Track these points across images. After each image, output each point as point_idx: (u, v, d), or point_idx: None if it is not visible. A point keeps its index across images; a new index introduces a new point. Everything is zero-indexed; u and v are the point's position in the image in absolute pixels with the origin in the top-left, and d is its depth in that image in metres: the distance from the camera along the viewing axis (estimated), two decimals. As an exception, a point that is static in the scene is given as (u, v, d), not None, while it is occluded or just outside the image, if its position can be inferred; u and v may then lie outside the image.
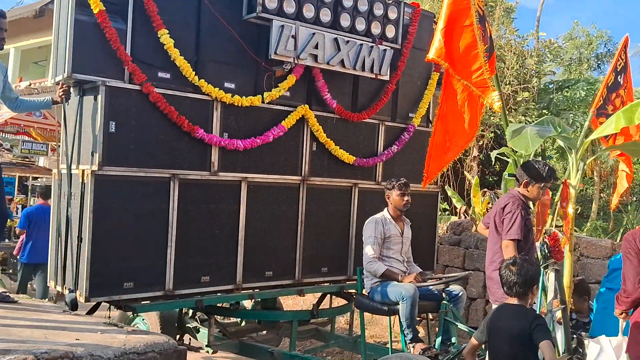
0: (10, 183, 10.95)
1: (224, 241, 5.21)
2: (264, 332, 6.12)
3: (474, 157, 11.30)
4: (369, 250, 4.78)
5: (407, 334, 4.43)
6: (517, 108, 11.69)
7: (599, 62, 21.69)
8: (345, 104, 6.02)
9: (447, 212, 11.26)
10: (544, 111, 12.13)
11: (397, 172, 6.44)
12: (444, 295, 4.62)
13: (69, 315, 4.05)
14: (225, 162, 5.18)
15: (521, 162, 4.34)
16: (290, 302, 8.00)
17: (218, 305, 5.57)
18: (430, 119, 6.86)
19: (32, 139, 11.80)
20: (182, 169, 4.93)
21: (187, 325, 5.84)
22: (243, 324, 6.13)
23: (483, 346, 3.60)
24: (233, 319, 6.23)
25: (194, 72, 4.93)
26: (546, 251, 4.17)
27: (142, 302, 4.83)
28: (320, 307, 5.98)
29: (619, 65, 5.24)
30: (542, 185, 4.23)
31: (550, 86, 13.76)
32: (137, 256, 4.71)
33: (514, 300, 3.35)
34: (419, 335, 4.53)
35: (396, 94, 6.39)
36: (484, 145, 11.45)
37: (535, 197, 4.29)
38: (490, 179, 12.46)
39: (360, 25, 5.76)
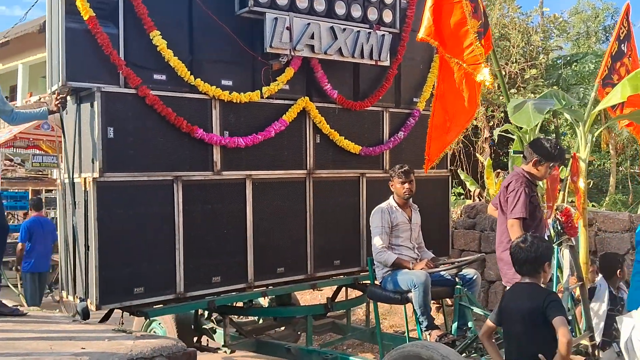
0: (24, 197, 11.03)
1: (233, 240, 5.17)
2: (282, 328, 6.08)
3: (485, 138, 11.16)
4: (377, 241, 4.70)
5: (422, 321, 4.35)
6: (525, 86, 11.52)
7: (607, 35, 21.29)
8: (347, 94, 5.94)
9: (462, 197, 11.14)
10: (554, 87, 11.93)
11: (404, 159, 6.33)
12: (457, 280, 4.53)
13: (79, 325, 4.03)
14: (228, 161, 5.13)
15: (529, 139, 4.23)
16: (308, 297, 7.95)
17: (232, 304, 5.53)
18: (435, 102, 6.76)
19: (43, 151, 11.88)
20: (185, 171, 4.89)
21: (203, 326, 5.81)
22: (260, 321, 6.09)
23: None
24: (250, 318, 6.19)
25: (189, 72, 4.88)
26: (559, 227, 4.04)
27: (155, 307, 4.80)
28: (336, 300, 5.92)
29: (622, 33, 5.11)
30: (552, 164, 4.11)
31: (559, 62, 13.54)
32: (146, 261, 4.68)
33: (525, 279, 3.26)
34: (435, 322, 4.45)
35: (399, 79, 6.29)
36: (495, 126, 11.29)
37: (543, 175, 4.17)
38: (504, 160, 12.29)
39: (357, 12, 5.67)
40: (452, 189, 9.52)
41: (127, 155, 4.61)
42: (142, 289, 4.66)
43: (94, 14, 4.47)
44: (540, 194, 4.42)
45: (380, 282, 4.76)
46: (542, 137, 4.25)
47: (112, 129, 4.54)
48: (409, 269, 4.56)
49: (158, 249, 4.75)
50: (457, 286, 4.50)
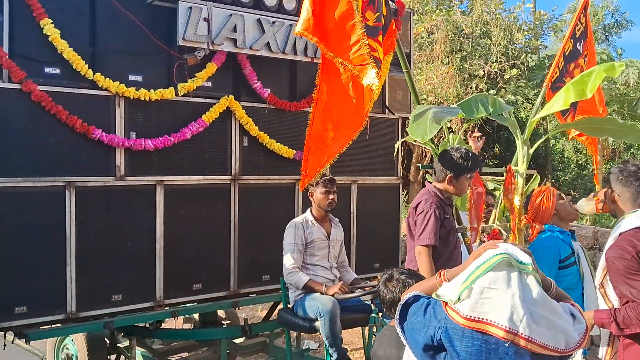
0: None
1: (138, 254, 4.66)
2: (204, 349, 5.57)
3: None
4: (287, 260, 4.19)
5: (332, 353, 3.84)
6: (506, 87, 10.96)
7: (607, 34, 20.66)
8: (282, 93, 5.41)
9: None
10: (539, 89, 11.37)
11: (347, 165, 5.84)
12: (373, 306, 4.00)
13: None
14: (134, 165, 4.62)
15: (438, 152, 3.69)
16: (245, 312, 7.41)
17: (142, 325, 5.02)
18: (387, 104, 6.22)
19: None
20: (80, 176, 4.38)
21: (118, 345, 5.31)
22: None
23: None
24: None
25: (87, 65, 4.36)
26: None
27: (41, 327, 4.30)
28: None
29: (578, 30, 4.55)
30: (469, 176, 3.59)
31: (547, 61, 12.95)
32: (30, 277, 4.18)
33: (395, 323, 2.71)
34: (348, 353, 3.93)
35: (342, 78, 5.75)
36: (470, 128, 10.74)
37: (462, 190, 3.65)
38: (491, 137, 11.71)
39: (290, 4, 5.15)
40: (404, 197, 9.01)
41: (8, 158, 4.10)
42: (25, 308, 4.16)
43: (-30, -1, 3.96)
44: (465, 213, 3.89)
45: (293, 306, 4.25)
46: (449, 147, 3.71)
47: (-10, 128, 4.03)
48: (321, 292, 4.05)
49: (44, 264, 4.24)
50: (372, 314, 3.97)
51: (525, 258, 2.07)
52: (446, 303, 2.12)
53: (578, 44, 4.56)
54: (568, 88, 3.75)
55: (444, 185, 3.63)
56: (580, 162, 17.96)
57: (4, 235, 4.09)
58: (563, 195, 3.95)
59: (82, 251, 4.37)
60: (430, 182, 3.73)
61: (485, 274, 2.06)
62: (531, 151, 3.84)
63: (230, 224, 5.13)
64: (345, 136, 3.58)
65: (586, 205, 3.77)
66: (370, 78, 3.11)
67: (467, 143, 4.92)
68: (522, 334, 1.98)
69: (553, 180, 15.94)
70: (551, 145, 16.35)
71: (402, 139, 4.82)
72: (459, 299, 2.08)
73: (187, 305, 4.99)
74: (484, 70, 10.86)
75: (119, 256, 4.55)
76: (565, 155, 18.76)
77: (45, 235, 4.25)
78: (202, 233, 4.98)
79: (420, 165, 4.71)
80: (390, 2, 6.21)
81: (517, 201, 3.85)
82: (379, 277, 4.22)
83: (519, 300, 1.99)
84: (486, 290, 2.03)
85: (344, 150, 3.71)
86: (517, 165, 3.93)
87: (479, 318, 2.01)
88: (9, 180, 4.10)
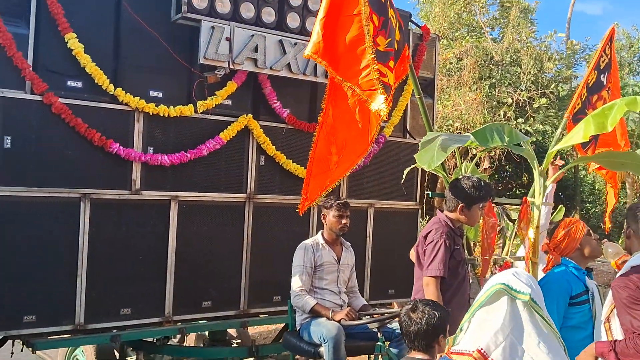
0: None
1: (150, 268, 4.67)
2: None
3: (484, 169, 10.47)
4: (295, 282, 4.15)
5: (335, 381, 3.76)
6: (535, 115, 10.81)
7: (643, 66, 20.27)
8: (301, 113, 5.42)
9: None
10: (569, 119, 11.19)
11: (365, 188, 5.82)
12: (379, 335, 3.92)
13: None
14: (150, 180, 4.65)
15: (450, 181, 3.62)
16: (258, 332, 7.34)
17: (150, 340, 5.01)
18: (408, 128, 6.18)
19: None
20: (96, 188, 4.42)
21: (127, 358, 5.31)
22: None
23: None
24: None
25: (108, 80, 4.43)
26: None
27: (49, 338, 4.32)
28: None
29: (603, 61, 4.46)
30: (481, 205, 3.51)
31: (578, 91, 12.77)
32: (40, 287, 4.22)
33: (417, 355, 2.66)
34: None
35: (363, 102, 5.73)
36: (496, 156, 10.61)
37: (475, 220, 3.56)
38: (502, 189, 11.59)
39: (312, 26, 5.14)
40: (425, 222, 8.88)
41: (26, 168, 4.17)
42: (34, 317, 4.19)
43: (-2, 12, 4.06)
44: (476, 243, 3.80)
45: (299, 330, 4.19)
46: (461, 176, 3.63)
47: (9, 138, 4.11)
48: (328, 317, 3.99)
49: (56, 274, 4.28)
50: (379, 342, 3.89)
51: (523, 288, 2.02)
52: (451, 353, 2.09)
53: (602, 75, 4.47)
54: (588, 120, 3.66)
55: (455, 214, 3.55)
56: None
57: (16, 243, 4.14)
58: (592, 232, 3.82)
59: (93, 263, 4.39)
60: (442, 211, 3.66)
61: (482, 307, 2.02)
62: (548, 183, 3.74)
63: (243, 242, 5.11)
64: (349, 160, 3.54)
65: (611, 254, 3.66)
66: (379, 104, 3.07)
67: (480, 171, 4.83)
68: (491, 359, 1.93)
69: (582, 212, 15.60)
70: (581, 176, 16.05)
71: (413, 165, 4.76)
72: (460, 330, 2.06)
73: (196, 322, 4.97)
74: (512, 98, 10.74)
75: (129, 270, 4.57)
76: (596, 187, 18.37)
77: (58, 245, 4.29)
78: (214, 250, 4.97)
79: (429, 193, 4.63)
80: (416, 27, 6.23)
81: (532, 234, 3.75)
82: (396, 305, 4.16)
83: (505, 327, 1.94)
84: (481, 322, 1.99)
85: (347, 175, 3.67)
86: (534, 197, 3.83)
87: (463, 350, 1.97)
88: (25, 190, 4.16)
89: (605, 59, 4.47)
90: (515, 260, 3.84)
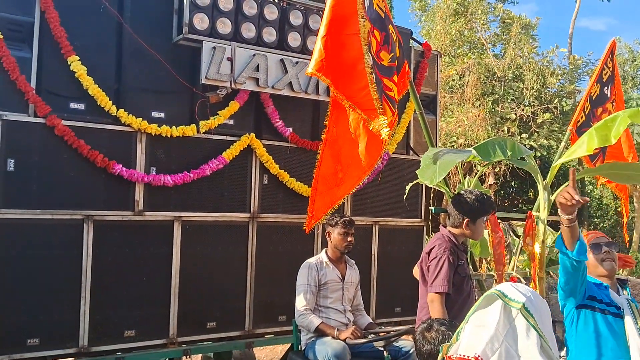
0: None
1: (154, 290, 4.64)
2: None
3: (489, 185, 10.42)
4: (299, 302, 4.10)
5: (340, 402, 3.70)
6: (539, 131, 10.79)
7: (647, 79, 20.29)
8: (304, 132, 5.42)
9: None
10: (573, 133, 11.16)
11: (370, 205, 5.79)
12: (386, 353, 3.87)
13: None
14: (153, 200, 4.64)
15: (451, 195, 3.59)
16: (265, 353, 7.25)
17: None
18: (411, 145, 6.17)
19: None
20: (99, 210, 4.41)
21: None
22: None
23: None
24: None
25: (111, 102, 4.44)
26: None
27: (53, 361, 4.29)
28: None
29: (605, 74, 4.45)
30: (485, 218, 3.46)
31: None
32: (44, 309, 4.20)
33: None
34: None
35: (365, 119, 5.73)
36: (501, 172, 10.56)
37: (479, 234, 3.51)
38: (508, 205, 11.53)
39: (313, 45, 5.16)
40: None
41: (29, 190, 4.17)
42: (37, 341, 4.16)
43: (2, 36, 4.10)
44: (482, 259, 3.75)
45: (304, 349, 4.14)
46: (462, 191, 3.60)
47: (12, 160, 4.12)
48: (333, 336, 3.94)
49: (59, 296, 4.26)
50: (385, 361, 3.84)
51: (518, 296, 1.99)
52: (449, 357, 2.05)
53: (605, 88, 4.45)
54: (591, 133, 3.64)
55: (460, 230, 3.51)
56: (619, 209, 17.44)
57: (20, 266, 4.13)
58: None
59: (96, 285, 4.37)
60: (445, 226, 3.62)
61: (476, 311, 2.01)
62: (553, 197, 3.70)
63: (247, 262, 5.09)
64: (354, 177, 3.53)
65: None
66: (378, 124, 3.06)
67: (484, 187, 4.80)
68: None
69: (590, 228, 15.48)
70: (588, 191, 15.96)
71: (415, 181, 4.73)
72: (456, 339, 2.02)
73: (201, 343, 4.92)
74: (516, 114, 10.73)
75: (133, 291, 4.54)
76: (604, 202, 18.26)
77: (61, 268, 4.27)
78: (218, 270, 4.95)
79: (432, 208, 4.60)
80: (417, 45, 6.24)
81: (537, 249, 3.71)
82: (403, 327, 4.11)
83: (499, 333, 1.91)
84: (475, 327, 1.96)
85: (353, 191, 3.65)
86: (539, 211, 3.80)
87: (461, 355, 1.93)
88: (28, 212, 4.16)
89: (607, 72, 4.46)
90: (522, 275, 3.80)
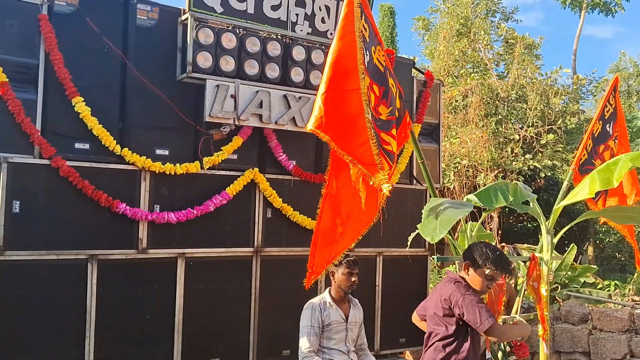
0: None
1: (158, 327, 4.65)
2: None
3: (490, 228, 10.36)
4: (303, 343, 4.09)
5: None
6: (543, 151, 10.78)
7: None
8: (307, 165, 5.44)
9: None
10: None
11: (373, 236, 5.74)
12: (390, 396, 3.86)
13: None
14: (156, 238, 4.66)
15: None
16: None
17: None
18: (414, 175, 6.18)
19: None
20: (103, 249, 4.44)
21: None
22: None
23: None
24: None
25: (115, 141, 4.48)
26: (504, 347, 3.35)
27: (58, 401, 4.30)
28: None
29: (607, 111, 4.46)
30: (488, 272, 3.34)
31: (586, 125, 12.75)
32: (49, 349, 4.21)
33: None
34: None
35: (368, 151, 5.74)
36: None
37: (476, 285, 3.38)
38: (514, 229, 11.50)
39: (316, 80, 5.20)
40: (436, 269, 8.78)
41: (34, 231, 4.20)
42: (41, 381, 4.17)
43: (7, 80, 4.14)
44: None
45: (308, 391, 4.12)
46: (481, 241, 3.49)
47: (18, 203, 4.15)
48: (337, 378, 3.93)
49: (64, 336, 4.28)
50: (390, 404, 3.82)
51: None
52: None
53: (607, 125, 4.46)
54: (594, 176, 3.65)
55: (462, 272, 3.40)
56: (625, 224, 17.32)
57: (26, 306, 4.14)
58: None
59: (101, 324, 4.39)
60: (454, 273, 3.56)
61: None
62: (555, 240, 3.71)
63: (250, 296, 5.09)
64: (354, 231, 3.53)
65: None
66: (379, 179, 3.07)
67: (487, 231, 4.77)
68: None
69: (597, 243, 15.39)
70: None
71: (415, 232, 4.72)
72: None
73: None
74: (519, 135, 10.74)
75: (137, 329, 4.56)
76: (609, 217, 18.14)
77: (66, 307, 4.29)
78: (221, 306, 4.95)
79: (435, 257, 4.59)
80: (420, 74, 6.27)
81: (544, 291, 3.70)
82: (408, 354, 4.06)
83: None
84: None
85: (352, 246, 3.66)
86: (542, 253, 3.80)
87: None
88: (33, 254, 4.18)
89: (609, 109, 4.46)
90: (525, 318, 3.78)
